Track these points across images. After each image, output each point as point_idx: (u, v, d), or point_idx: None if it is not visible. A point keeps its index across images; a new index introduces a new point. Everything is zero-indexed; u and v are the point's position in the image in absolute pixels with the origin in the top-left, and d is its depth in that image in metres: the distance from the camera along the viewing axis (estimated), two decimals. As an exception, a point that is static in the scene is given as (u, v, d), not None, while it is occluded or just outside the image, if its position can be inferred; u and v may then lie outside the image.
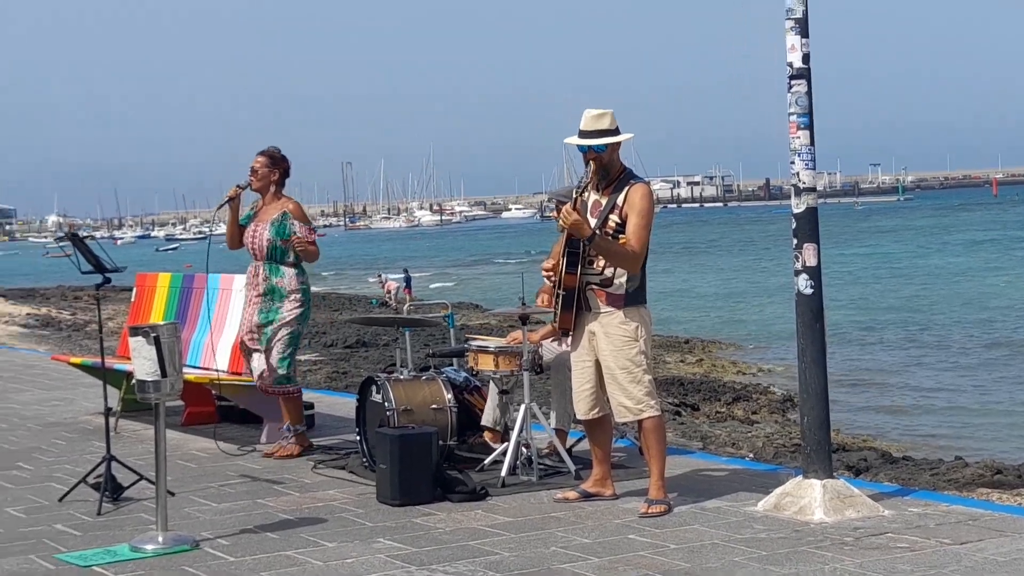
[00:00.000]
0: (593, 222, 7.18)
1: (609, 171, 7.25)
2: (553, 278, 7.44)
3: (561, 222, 7.20)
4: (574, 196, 7.28)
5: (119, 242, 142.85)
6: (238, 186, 9.20)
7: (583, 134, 7.22)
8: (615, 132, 7.23)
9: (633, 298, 7.22)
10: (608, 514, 7.14)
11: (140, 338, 6.72)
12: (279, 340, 9.06)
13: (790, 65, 7.13)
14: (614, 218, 7.16)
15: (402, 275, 42.14)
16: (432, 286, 52.49)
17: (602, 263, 7.18)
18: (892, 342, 26.37)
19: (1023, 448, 14.66)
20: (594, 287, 7.21)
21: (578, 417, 7.54)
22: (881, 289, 40.43)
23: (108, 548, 6.71)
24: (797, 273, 7.17)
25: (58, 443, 10.19)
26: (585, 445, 8.71)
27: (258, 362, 9.12)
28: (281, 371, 9.09)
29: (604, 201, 7.23)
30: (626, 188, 7.19)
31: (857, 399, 18.95)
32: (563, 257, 7.22)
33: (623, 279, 7.18)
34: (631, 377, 7.16)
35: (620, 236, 7.12)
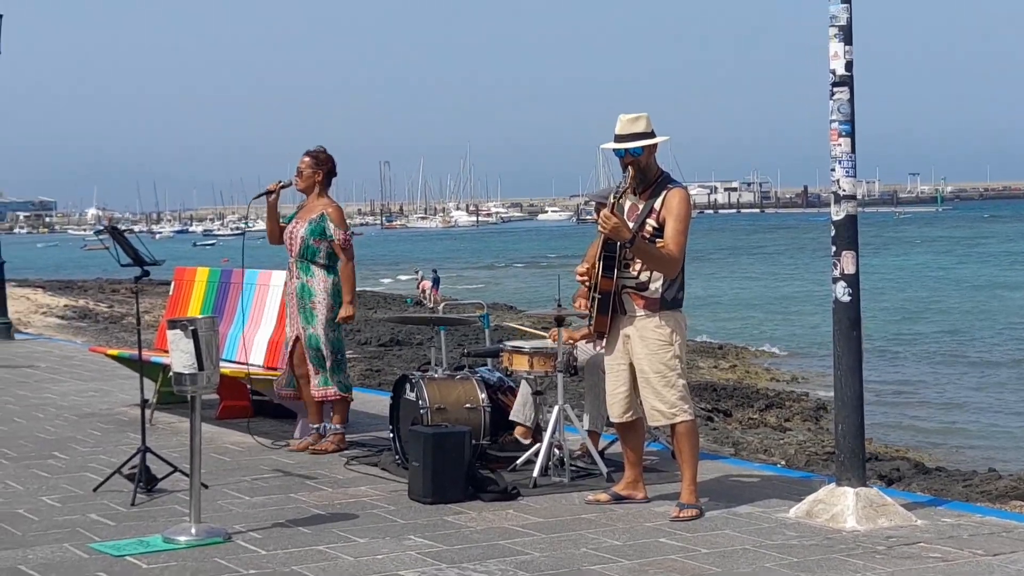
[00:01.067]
0: (632, 226, 7.17)
1: (647, 175, 7.24)
2: (587, 282, 7.43)
3: (600, 226, 7.19)
4: (611, 200, 7.26)
5: (157, 236, 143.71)
6: (279, 182, 9.24)
7: (619, 138, 7.21)
8: (651, 135, 7.22)
9: (669, 302, 7.21)
10: (639, 517, 7.14)
11: (178, 331, 6.76)
12: (327, 350, 9.08)
13: (833, 72, 7.11)
14: (651, 222, 7.15)
15: (431, 275, 42.18)
16: (462, 287, 52.56)
17: (639, 267, 7.18)
18: (927, 353, 26.23)
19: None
20: (630, 291, 7.21)
21: (611, 420, 7.53)
22: (918, 299, 40.21)
23: (141, 538, 6.76)
24: (835, 280, 7.15)
25: (94, 434, 10.27)
26: (617, 448, 8.70)
27: (317, 367, 9.13)
28: (337, 378, 9.12)
29: (641, 205, 7.21)
30: (664, 192, 7.18)
31: (891, 409, 18.87)
32: (600, 261, 7.22)
33: (659, 283, 7.16)
34: (665, 381, 7.16)
35: (657, 240, 7.12)
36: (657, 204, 7.15)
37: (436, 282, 40.72)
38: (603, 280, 7.21)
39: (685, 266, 7.29)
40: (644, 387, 7.20)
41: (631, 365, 7.26)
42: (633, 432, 7.46)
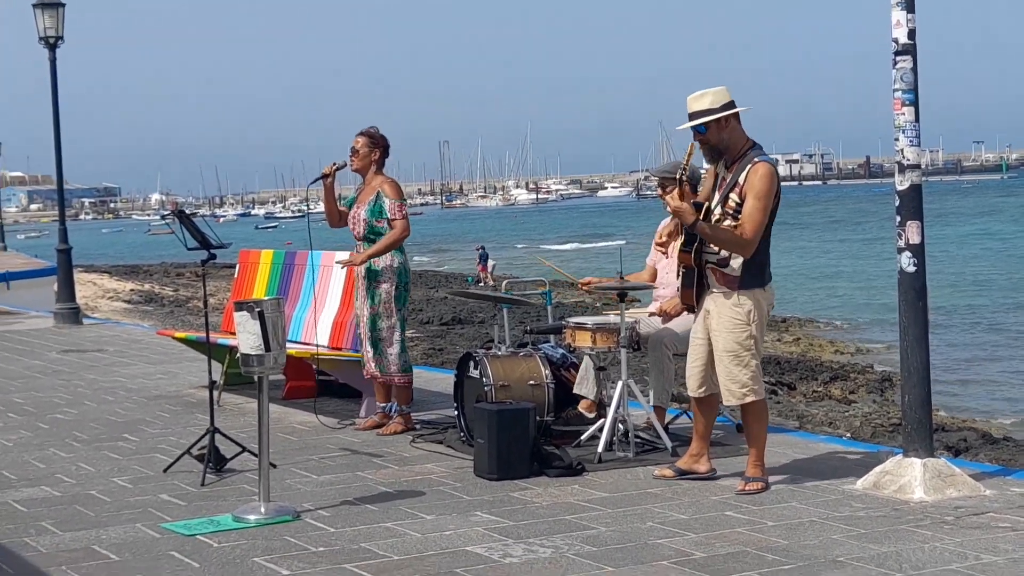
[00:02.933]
0: (716, 198, 7.09)
1: (727, 148, 7.08)
2: (665, 252, 7.40)
3: (666, 207, 7.12)
4: (678, 177, 7.19)
5: (221, 220, 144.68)
6: (334, 164, 9.24)
7: (690, 117, 7.12)
8: (718, 110, 7.03)
9: (750, 280, 7.06)
10: (705, 491, 7.14)
11: (245, 313, 6.82)
12: (391, 329, 9.13)
13: (895, 41, 7.05)
14: (734, 197, 7.00)
15: (479, 252, 42.13)
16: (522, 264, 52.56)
17: None
18: (994, 324, 25.95)
19: None
20: (711, 266, 7.13)
21: (687, 393, 7.48)
22: (986, 270, 39.76)
23: (212, 518, 6.85)
24: (900, 251, 7.09)
25: (163, 415, 10.39)
26: (681, 423, 8.72)
27: (375, 353, 9.18)
28: (403, 361, 9.17)
29: (728, 178, 7.10)
30: (748, 167, 7.03)
31: (957, 379, 18.71)
32: (681, 234, 7.16)
33: (739, 260, 7.04)
34: (738, 360, 7.08)
35: (741, 216, 7.02)
36: (741, 178, 7.01)
37: (484, 258, 40.69)
38: (681, 254, 7.15)
39: (770, 242, 7.15)
40: (719, 364, 7.14)
41: (709, 340, 7.21)
42: (707, 406, 7.38)
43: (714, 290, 7.14)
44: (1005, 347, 22.49)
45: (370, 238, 9.12)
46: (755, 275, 7.09)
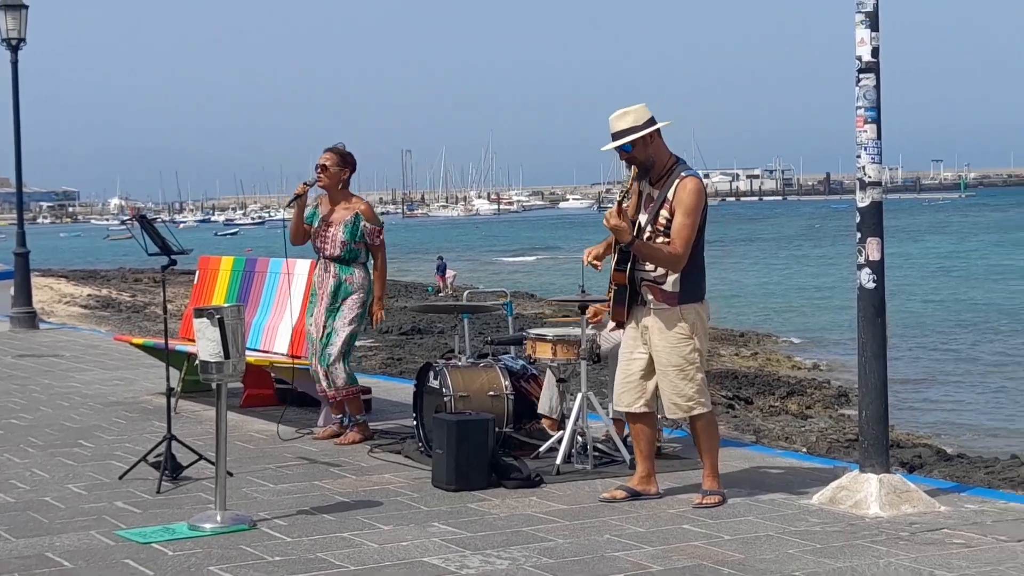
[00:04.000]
0: (645, 217, 7.12)
1: (654, 164, 7.10)
2: (596, 264, 7.37)
3: (605, 224, 7.14)
4: (619, 199, 7.16)
5: (181, 226, 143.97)
6: (306, 183, 9.20)
7: (613, 137, 7.12)
8: (640, 128, 7.03)
9: (689, 294, 7.10)
10: (662, 504, 7.16)
11: (205, 320, 6.79)
12: (342, 342, 9.09)
13: (859, 59, 7.10)
14: (664, 213, 7.02)
15: (437, 262, 42.13)
16: (484, 275, 52.58)
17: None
18: (949, 341, 26.15)
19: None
20: (647, 283, 7.14)
21: (618, 409, 7.41)
22: (944, 287, 40.06)
23: (167, 526, 6.81)
24: (860, 267, 7.14)
25: (119, 422, 10.33)
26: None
27: (323, 368, 9.15)
28: (347, 373, 9.15)
29: (656, 195, 7.13)
30: (676, 182, 7.05)
31: (912, 396, 18.84)
32: (615, 254, 7.16)
33: (675, 277, 7.06)
34: (683, 375, 7.09)
35: (671, 232, 7.02)
36: (670, 194, 7.03)
37: (442, 268, 40.66)
38: (616, 273, 7.14)
39: (704, 255, 7.21)
40: (662, 380, 7.15)
41: (648, 356, 7.21)
42: (645, 423, 7.33)
43: (652, 307, 7.14)
44: (958, 363, 22.66)
45: (345, 259, 9.10)
46: (692, 289, 7.12)
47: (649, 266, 7.09)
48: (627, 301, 7.16)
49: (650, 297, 7.13)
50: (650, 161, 7.10)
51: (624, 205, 7.13)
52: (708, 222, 7.19)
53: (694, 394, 7.11)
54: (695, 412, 7.13)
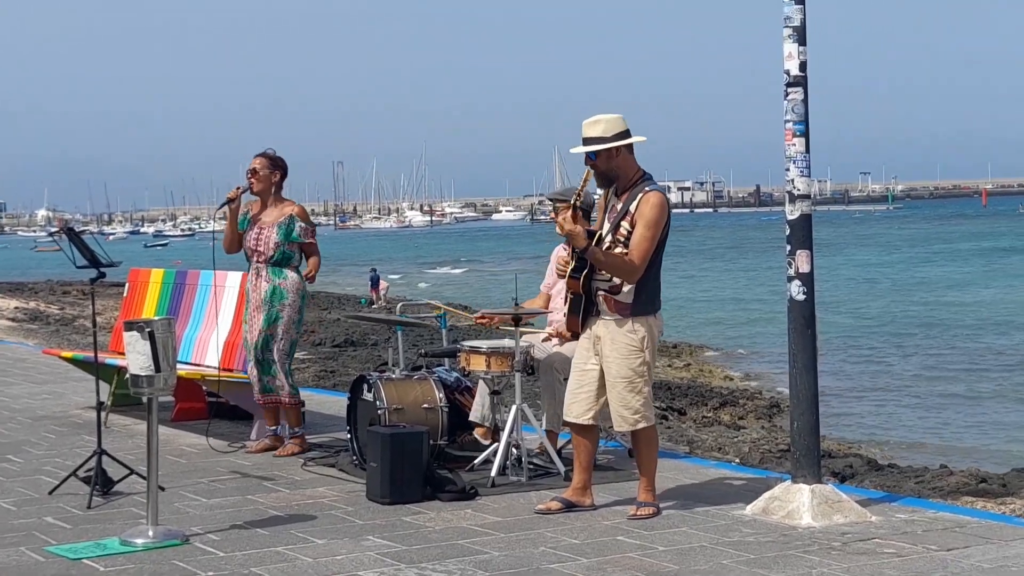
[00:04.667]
0: (606, 227, 7.13)
1: (617, 177, 7.12)
2: (565, 272, 7.32)
3: (558, 230, 7.15)
4: (572, 202, 7.18)
5: (111, 237, 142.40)
6: (238, 188, 9.17)
7: (584, 142, 7.14)
8: (610, 139, 7.06)
9: (642, 307, 7.10)
10: (597, 516, 7.17)
11: (135, 332, 6.73)
12: (282, 351, 9.06)
13: (787, 73, 7.17)
14: (625, 225, 7.04)
15: (370, 275, 42.07)
16: (420, 285, 52.50)
17: None
18: (877, 353, 26.44)
19: (1006, 457, 14.72)
20: (602, 293, 7.15)
21: (568, 419, 7.38)
22: (874, 298, 40.50)
23: (98, 541, 6.73)
24: (790, 279, 7.20)
25: (48, 436, 10.20)
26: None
27: (261, 374, 9.11)
28: (291, 383, 9.12)
29: (619, 206, 7.14)
30: (639, 195, 7.07)
31: (842, 407, 19.01)
32: (572, 260, 7.15)
33: (632, 287, 7.06)
34: (632, 387, 7.10)
35: (630, 244, 7.04)
36: (632, 207, 7.05)
37: (375, 281, 40.57)
38: (570, 281, 7.14)
39: (661, 269, 7.21)
40: (610, 391, 7.14)
41: (600, 367, 7.20)
42: (589, 435, 7.34)
43: (605, 317, 7.15)
44: (887, 375, 22.92)
45: (278, 261, 9.06)
46: (647, 302, 7.13)
47: (604, 275, 7.10)
48: (582, 311, 7.17)
49: (604, 307, 7.14)
50: (613, 173, 7.12)
51: (580, 208, 7.15)
52: (669, 236, 7.17)
53: (640, 407, 7.13)
54: (640, 426, 7.15)
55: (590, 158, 7.11)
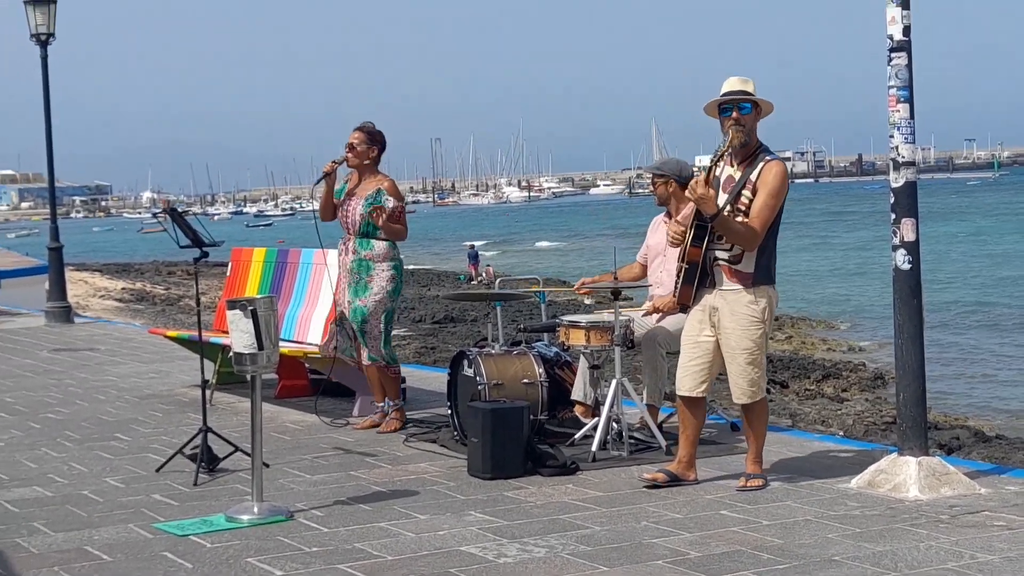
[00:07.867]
0: (723, 197, 7.02)
1: (748, 141, 7.05)
2: (680, 242, 7.17)
3: (688, 193, 7.04)
4: (709, 166, 7.07)
5: (215, 218, 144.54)
6: (334, 162, 9.22)
7: (729, 96, 7.03)
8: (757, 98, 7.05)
9: (762, 277, 7.02)
10: (700, 490, 7.12)
11: (238, 311, 6.79)
12: (377, 321, 9.10)
13: (890, 38, 7.03)
14: (747, 194, 6.95)
15: (469, 251, 42.21)
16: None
17: None
18: (987, 322, 25.98)
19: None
20: (721, 263, 7.05)
21: (682, 393, 7.25)
22: (980, 268, 39.78)
23: (205, 518, 6.82)
24: (895, 248, 7.07)
25: (155, 415, 10.36)
26: (676, 421, 8.68)
27: (354, 341, 9.17)
28: (385, 351, 9.17)
29: (738, 176, 7.03)
30: (760, 164, 7.00)
31: (950, 378, 18.72)
32: (691, 229, 7.04)
33: (752, 257, 6.99)
34: (752, 359, 7.01)
35: (751, 212, 6.94)
36: (753, 176, 6.98)
37: (474, 257, 40.72)
38: (692, 249, 7.02)
39: (778, 239, 7.13)
40: (731, 363, 7.05)
41: (715, 340, 7.09)
42: (697, 409, 7.27)
43: (724, 287, 7.05)
44: (995, 345, 22.51)
45: (365, 233, 9.10)
46: (766, 272, 7.05)
47: (725, 245, 7.01)
48: (695, 282, 7.11)
49: (724, 277, 7.05)
50: (750, 134, 7.06)
51: (716, 172, 7.08)
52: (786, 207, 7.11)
53: (758, 379, 7.07)
54: (758, 398, 7.09)
55: (741, 111, 7.02)
